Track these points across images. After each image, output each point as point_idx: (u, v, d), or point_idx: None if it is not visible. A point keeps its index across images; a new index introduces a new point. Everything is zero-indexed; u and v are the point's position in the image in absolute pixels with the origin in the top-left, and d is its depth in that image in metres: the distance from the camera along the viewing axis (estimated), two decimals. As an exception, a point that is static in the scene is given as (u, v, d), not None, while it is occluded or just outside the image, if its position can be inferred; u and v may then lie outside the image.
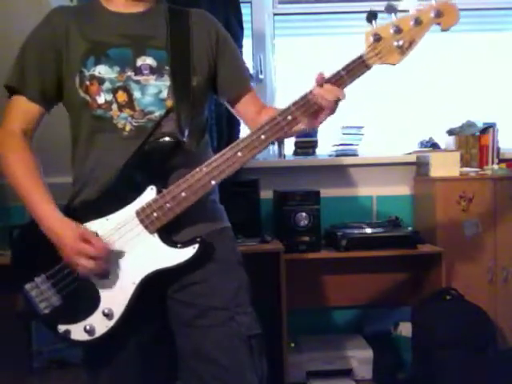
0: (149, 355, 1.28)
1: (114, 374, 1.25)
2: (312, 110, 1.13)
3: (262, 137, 1.13)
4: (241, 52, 2.57)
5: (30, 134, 1.24)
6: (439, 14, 1.08)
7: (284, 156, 2.71)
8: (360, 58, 1.10)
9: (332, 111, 1.14)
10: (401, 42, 1.08)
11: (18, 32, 1.26)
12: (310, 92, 1.12)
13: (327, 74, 1.12)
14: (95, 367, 1.27)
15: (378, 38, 1.09)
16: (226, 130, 2.49)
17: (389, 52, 1.10)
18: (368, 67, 1.11)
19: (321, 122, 1.17)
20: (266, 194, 2.52)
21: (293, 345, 2.47)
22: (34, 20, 1.25)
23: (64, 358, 2.39)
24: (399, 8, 1.10)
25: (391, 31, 1.09)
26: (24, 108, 1.23)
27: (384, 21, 1.10)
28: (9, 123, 1.22)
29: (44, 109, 1.25)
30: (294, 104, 1.13)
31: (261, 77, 2.79)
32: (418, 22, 1.08)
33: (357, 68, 1.11)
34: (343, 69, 1.11)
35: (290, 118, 1.13)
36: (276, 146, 2.72)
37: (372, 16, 1.10)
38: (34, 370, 2.43)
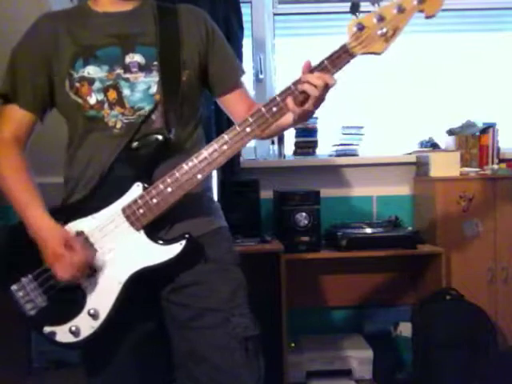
0: (146, 356, 1.27)
1: (112, 375, 1.24)
2: (298, 99, 1.10)
3: (247, 129, 1.12)
4: (241, 52, 2.57)
5: (23, 140, 1.24)
6: (422, 1, 1.08)
7: (284, 156, 2.71)
8: (343, 47, 1.10)
9: (320, 99, 1.10)
10: (384, 30, 1.08)
11: (17, 33, 1.26)
12: (297, 81, 1.10)
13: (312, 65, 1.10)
14: (92, 368, 1.26)
15: (361, 27, 1.09)
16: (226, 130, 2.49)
17: (373, 40, 1.09)
18: (352, 56, 1.10)
19: (310, 112, 1.13)
20: (266, 193, 2.51)
21: (293, 345, 2.47)
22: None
23: (64, 358, 2.40)
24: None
25: (374, 20, 1.09)
26: (16, 116, 1.23)
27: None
28: (1, 131, 1.23)
29: (36, 116, 1.25)
30: (280, 95, 1.11)
31: (261, 77, 2.79)
32: (400, 9, 1.08)
33: (341, 57, 1.10)
34: (327, 58, 1.10)
35: (274, 109, 1.11)
36: (276, 146, 2.72)
37: (355, 8, 1.11)
38: (34, 370, 2.44)
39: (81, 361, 1.29)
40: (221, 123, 2.47)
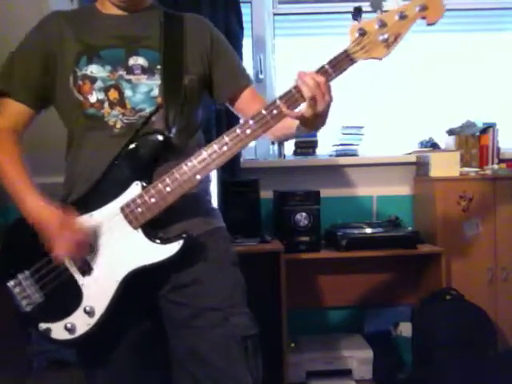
0: (143, 355, 1.27)
1: (110, 374, 1.24)
2: (298, 104, 1.11)
3: (248, 131, 1.13)
4: (241, 52, 2.57)
5: (19, 132, 1.26)
6: (424, 8, 1.09)
7: (284, 156, 2.71)
8: (345, 52, 1.11)
9: (315, 101, 1.08)
10: (386, 36, 1.10)
11: (17, 36, 1.26)
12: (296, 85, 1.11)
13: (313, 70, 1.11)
14: (90, 367, 1.26)
15: (362, 33, 1.10)
16: (226, 130, 2.49)
17: (374, 46, 1.11)
18: (353, 61, 1.11)
19: (315, 116, 1.11)
20: (266, 193, 2.52)
21: (293, 345, 2.47)
22: (34, 23, 1.26)
23: (64, 358, 2.39)
24: (385, 4, 1.11)
25: (376, 26, 1.10)
26: (13, 108, 1.25)
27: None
28: None
29: (33, 110, 1.26)
30: (280, 98, 1.12)
31: (261, 77, 2.79)
32: (402, 16, 1.10)
33: (341, 62, 1.11)
34: (328, 63, 1.11)
35: (275, 111, 1.11)
36: (276, 146, 2.72)
37: (357, 13, 1.11)
38: (34, 370, 2.43)
39: (78, 360, 1.29)
40: (221, 125, 2.47)
